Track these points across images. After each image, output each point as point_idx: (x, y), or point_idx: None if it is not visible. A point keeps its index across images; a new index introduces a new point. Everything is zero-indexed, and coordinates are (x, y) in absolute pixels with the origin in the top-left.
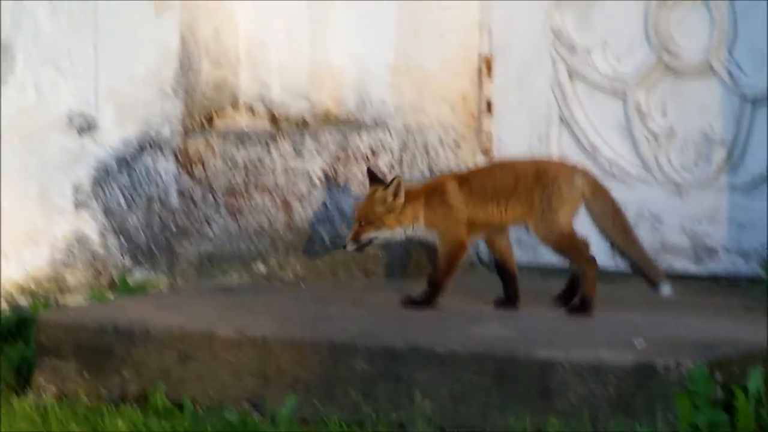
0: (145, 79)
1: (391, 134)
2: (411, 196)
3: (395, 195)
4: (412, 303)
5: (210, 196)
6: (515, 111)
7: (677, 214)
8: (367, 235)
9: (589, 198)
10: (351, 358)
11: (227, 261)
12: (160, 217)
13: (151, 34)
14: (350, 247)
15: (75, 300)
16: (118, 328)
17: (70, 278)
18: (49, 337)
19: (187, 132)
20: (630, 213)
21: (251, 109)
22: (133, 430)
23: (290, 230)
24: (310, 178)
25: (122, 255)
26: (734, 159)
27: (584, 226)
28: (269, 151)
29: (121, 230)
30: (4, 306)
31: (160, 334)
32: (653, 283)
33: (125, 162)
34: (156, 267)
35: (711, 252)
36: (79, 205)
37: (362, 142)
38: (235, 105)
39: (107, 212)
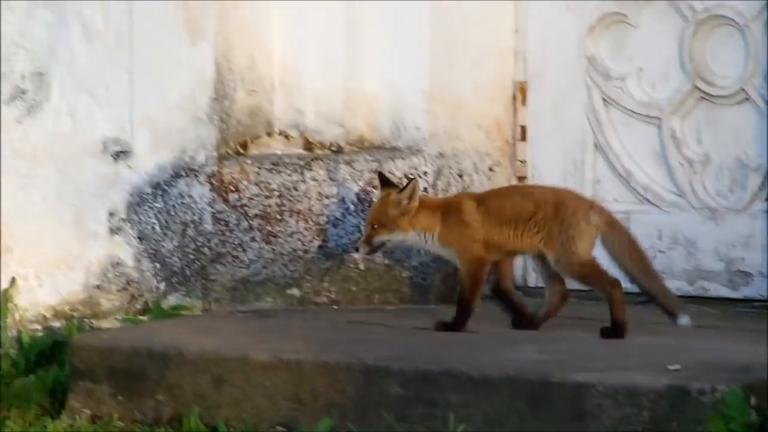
0: (180, 105)
1: (425, 160)
2: (428, 204)
3: (410, 198)
4: (444, 327)
5: (244, 222)
6: (550, 137)
7: (712, 239)
8: (379, 238)
9: (605, 233)
10: (385, 381)
11: (261, 286)
12: (194, 242)
13: (186, 61)
14: (362, 249)
15: (109, 324)
16: (152, 352)
17: (105, 303)
18: (83, 360)
19: (221, 158)
20: (665, 238)
21: (286, 136)
22: None
23: (324, 255)
24: (344, 203)
25: (157, 280)
26: None
27: (602, 259)
28: (303, 177)
29: (155, 255)
30: (39, 329)
31: (195, 358)
32: (672, 314)
33: (160, 187)
34: (190, 292)
35: (745, 276)
36: (113, 230)
37: (397, 168)
38: (269, 132)
39: (142, 237)
